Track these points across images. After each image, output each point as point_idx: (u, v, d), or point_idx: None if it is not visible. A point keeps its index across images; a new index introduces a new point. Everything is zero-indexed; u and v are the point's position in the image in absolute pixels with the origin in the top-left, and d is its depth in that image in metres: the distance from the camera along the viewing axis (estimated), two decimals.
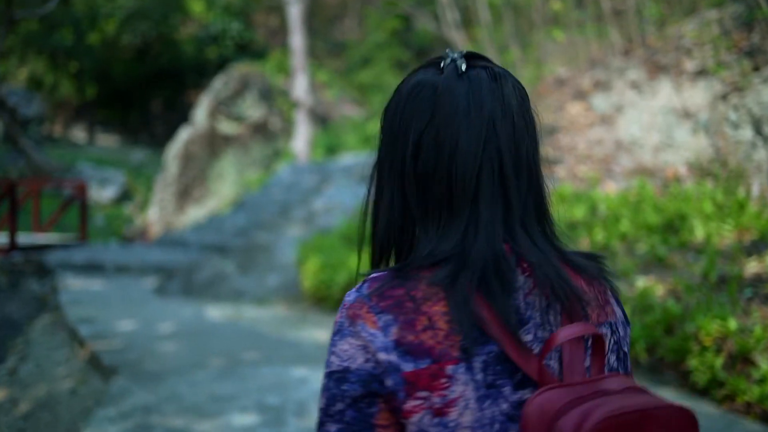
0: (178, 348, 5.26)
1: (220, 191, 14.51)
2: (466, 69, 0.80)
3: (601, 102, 7.82)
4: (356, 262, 0.88)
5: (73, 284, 8.22)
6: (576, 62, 8.93)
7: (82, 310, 6.57)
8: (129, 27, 21.57)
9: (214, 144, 14.73)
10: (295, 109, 14.42)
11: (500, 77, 0.81)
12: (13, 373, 5.14)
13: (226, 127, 15.02)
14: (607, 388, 0.72)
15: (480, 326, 0.73)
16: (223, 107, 15.05)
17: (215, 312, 6.99)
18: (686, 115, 6.71)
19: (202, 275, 8.13)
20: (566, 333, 0.73)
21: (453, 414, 0.72)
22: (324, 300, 6.98)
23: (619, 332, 0.84)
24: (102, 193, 16.25)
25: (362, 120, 16.19)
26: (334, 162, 12.12)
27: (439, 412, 0.72)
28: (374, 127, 15.81)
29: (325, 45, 20.56)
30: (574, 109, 8.01)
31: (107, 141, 23.27)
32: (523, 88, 0.84)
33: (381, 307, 0.75)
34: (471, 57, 0.82)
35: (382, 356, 0.73)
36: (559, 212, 0.88)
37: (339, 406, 0.74)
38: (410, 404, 0.72)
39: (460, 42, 11.69)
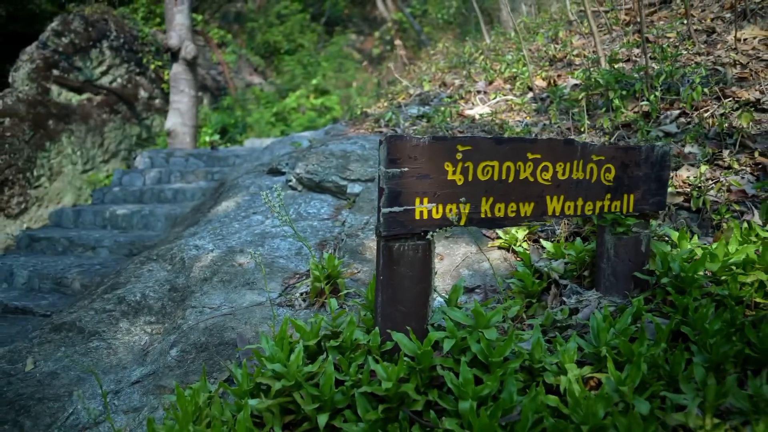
0: None
1: (49, 197, 9.41)
2: None
3: None
4: None
5: None
6: None
7: None
8: None
9: (43, 121, 9.59)
10: (169, 65, 9.56)
11: None
12: None
13: (65, 95, 9.93)
14: None
15: None
16: (61, 66, 9.95)
17: None
18: None
19: None
20: None
21: None
22: None
23: None
24: None
25: (273, 91, 11.53)
26: (234, 151, 7.53)
27: None
28: (292, 100, 11.25)
29: (220, 21, 15.87)
30: None
31: None
32: None
33: None
34: None
35: None
36: None
37: None
38: None
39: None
